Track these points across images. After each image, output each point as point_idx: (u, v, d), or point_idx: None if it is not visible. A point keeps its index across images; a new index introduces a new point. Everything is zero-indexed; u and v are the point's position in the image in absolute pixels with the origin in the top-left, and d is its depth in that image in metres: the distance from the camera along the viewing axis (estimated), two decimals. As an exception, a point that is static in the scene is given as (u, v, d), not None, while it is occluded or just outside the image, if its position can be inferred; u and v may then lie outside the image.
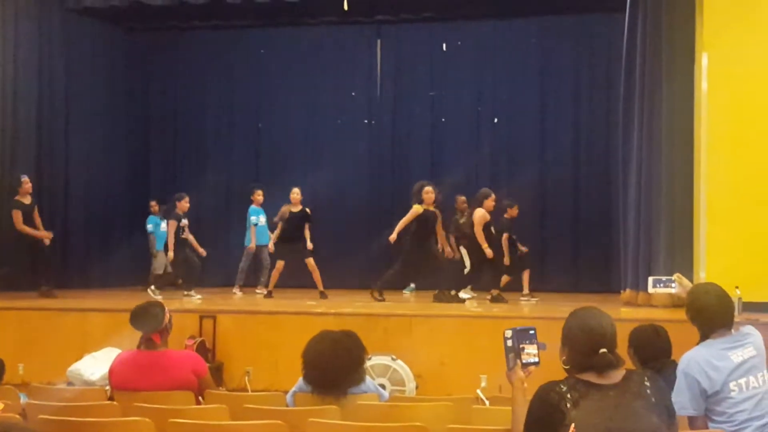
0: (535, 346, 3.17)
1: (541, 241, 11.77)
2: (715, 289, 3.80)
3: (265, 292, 10.20)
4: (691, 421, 3.52)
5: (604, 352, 2.86)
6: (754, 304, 7.18)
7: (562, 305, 9.23)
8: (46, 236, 9.78)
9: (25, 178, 9.72)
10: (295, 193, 10.13)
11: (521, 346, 3.16)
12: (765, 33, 8.22)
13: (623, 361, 2.92)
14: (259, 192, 10.86)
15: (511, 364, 3.16)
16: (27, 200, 9.71)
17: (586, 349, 2.89)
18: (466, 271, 9.95)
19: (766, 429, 3.50)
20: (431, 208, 9.48)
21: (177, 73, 13.14)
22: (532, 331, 3.19)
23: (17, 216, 9.53)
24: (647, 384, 2.87)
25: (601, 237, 11.39)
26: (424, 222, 9.42)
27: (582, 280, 11.43)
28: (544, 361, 3.16)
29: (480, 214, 9.45)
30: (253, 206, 10.83)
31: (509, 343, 3.18)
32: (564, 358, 2.99)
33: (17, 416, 3.68)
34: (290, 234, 10.03)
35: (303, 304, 9.03)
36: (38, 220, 9.83)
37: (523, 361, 3.15)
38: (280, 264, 10.01)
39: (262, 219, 10.88)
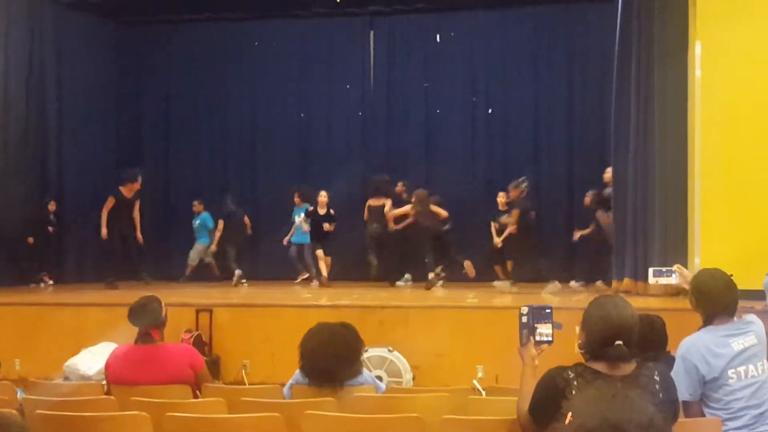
0: (549, 325, 3.17)
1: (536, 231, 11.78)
2: (721, 274, 3.76)
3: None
4: (687, 406, 3.49)
5: (619, 344, 2.83)
6: (748, 292, 7.17)
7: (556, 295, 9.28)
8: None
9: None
10: (322, 196, 10.76)
11: (536, 324, 3.17)
12: (757, 21, 8.23)
13: (636, 355, 2.91)
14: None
15: (524, 340, 3.18)
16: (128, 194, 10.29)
17: (602, 338, 2.87)
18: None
19: (762, 418, 3.49)
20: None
21: (169, 66, 13.08)
22: (548, 310, 3.20)
23: (109, 202, 10.11)
24: (657, 379, 2.87)
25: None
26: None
27: (576, 270, 11.42)
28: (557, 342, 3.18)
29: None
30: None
31: (524, 319, 3.19)
32: (580, 342, 2.98)
33: (14, 411, 3.68)
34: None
35: (299, 297, 9.04)
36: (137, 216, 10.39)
37: (537, 339, 3.16)
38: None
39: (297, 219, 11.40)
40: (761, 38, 8.20)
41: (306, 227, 11.00)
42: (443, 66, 12.54)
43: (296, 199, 11.43)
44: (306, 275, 11.27)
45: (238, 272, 11.05)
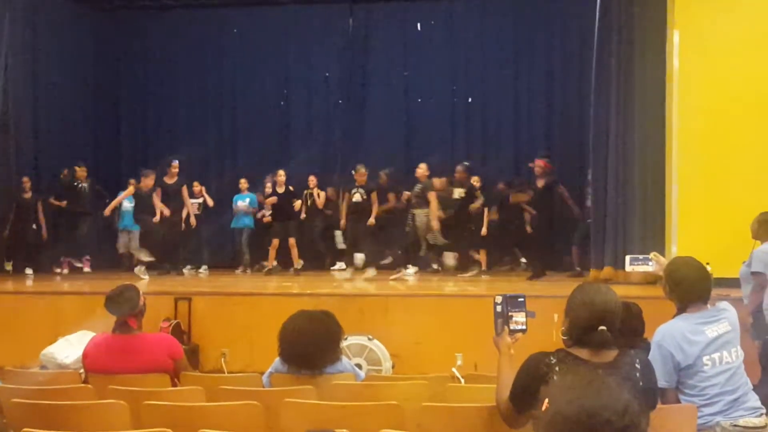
0: (523, 313, 3.18)
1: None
2: (694, 262, 3.78)
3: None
4: (663, 393, 3.51)
5: (602, 330, 2.85)
6: (724, 280, 7.25)
7: (534, 284, 9.34)
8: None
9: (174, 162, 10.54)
10: (280, 176, 10.67)
11: (510, 313, 3.18)
12: (734, 10, 8.29)
13: (619, 342, 2.92)
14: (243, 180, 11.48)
15: (499, 329, 3.19)
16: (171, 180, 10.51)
17: (586, 324, 2.87)
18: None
19: (737, 404, 3.53)
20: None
21: (148, 52, 12.96)
22: (521, 299, 3.21)
23: (157, 193, 10.27)
24: (638, 367, 2.89)
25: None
26: None
27: (556, 257, 11.47)
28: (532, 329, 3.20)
29: None
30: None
31: (498, 308, 3.19)
32: (563, 329, 2.99)
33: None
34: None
35: (279, 285, 9.03)
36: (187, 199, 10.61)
37: (511, 328, 3.17)
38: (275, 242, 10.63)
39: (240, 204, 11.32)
40: (739, 27, 8.26)
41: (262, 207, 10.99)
42: (423, 55, 12.52)
43: (244, 185, 11.36)
44: (246, 268, 11.12)
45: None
